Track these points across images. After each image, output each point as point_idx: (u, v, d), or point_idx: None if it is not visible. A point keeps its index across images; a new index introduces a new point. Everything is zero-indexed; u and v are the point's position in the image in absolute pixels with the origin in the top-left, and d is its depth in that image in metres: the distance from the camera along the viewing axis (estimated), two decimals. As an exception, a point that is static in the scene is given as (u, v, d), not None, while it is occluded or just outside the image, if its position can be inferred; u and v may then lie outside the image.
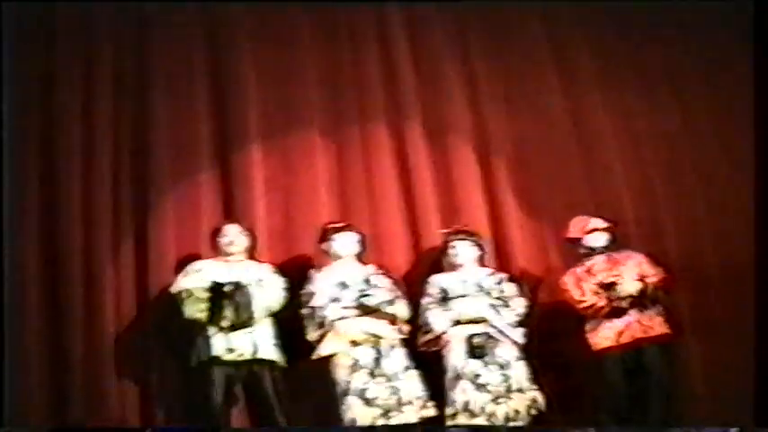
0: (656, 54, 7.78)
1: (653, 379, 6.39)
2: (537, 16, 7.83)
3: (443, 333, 6.40)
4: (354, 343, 6.26)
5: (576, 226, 6.82)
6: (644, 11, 7.85)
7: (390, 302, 6.44)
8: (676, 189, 7.40)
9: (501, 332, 6.39)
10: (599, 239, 6.76)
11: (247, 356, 6.17)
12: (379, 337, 6.30)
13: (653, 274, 6.60)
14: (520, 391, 6.28)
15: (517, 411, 6.22)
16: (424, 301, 6.56)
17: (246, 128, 7.20)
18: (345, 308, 6.36)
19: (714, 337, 6.92)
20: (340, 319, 6.31)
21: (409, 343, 6.42)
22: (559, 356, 6.72)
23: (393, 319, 6.39)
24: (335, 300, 6.38)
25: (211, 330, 6.18)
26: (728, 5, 7.88)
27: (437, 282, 6.63)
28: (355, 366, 6.20)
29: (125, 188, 6.97)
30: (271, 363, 6.24)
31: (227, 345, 6.16)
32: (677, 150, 7.53)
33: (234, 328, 6.18)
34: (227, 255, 6.50)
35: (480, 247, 6.78)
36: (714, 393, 6.75)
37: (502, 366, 6.31)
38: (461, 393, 6.24)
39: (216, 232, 6.60)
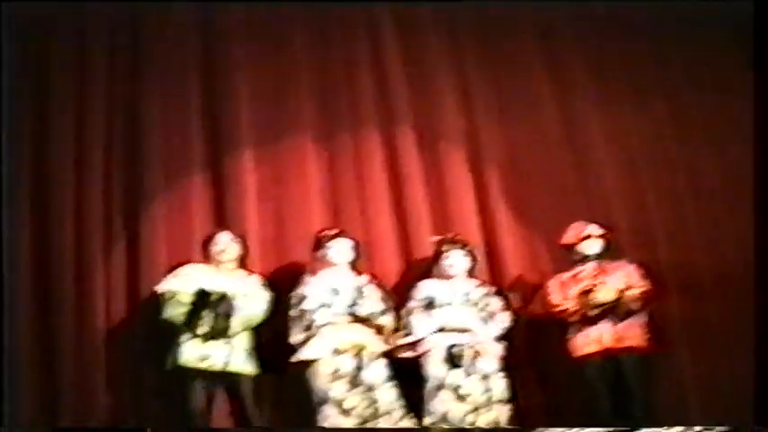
0: (650, 63, 7.78)
1: (631, 388, 6.39)
2: (530, 25, 7.83)
3: (423, 339, 6.39)
4: (337, 351, 6.23)
5: (572, 232, 6.82)
6: (638, 21, 7.85)
7: (380, 314, 6.43)
8: (668, 198, 7.38)
9: (483, 344, 6.38)
10: (593, 246, 6.75)
11: (219, 367, 6.18)
12: (363, 347, 6.28)
13: (639, 286, 6.59)
14: (501, 402, 6.27)
15: (497, 423, 6.20)
16: (410, 305, 6.55)
17: (239, 133, 7.20)
18: (335, 314, 6.35)
19: (708, 342, 6.91)
20: (327, 324, 6.30)
21: (390, 354, 6.41)
22: (546, 364, 6.74)
23: (380, 330, 6.37)
24: (326, 305, 6.37)
25: (186, 336, 6.20)
26: (725, 18, 7.91)
27: (426, 288, 6.62)
28: (335, 374, 6.18)
29: (117, 192, 6.98)
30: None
31: (201, 353, 6.17)
32: (670, 159, 7.51)
33: (210, 337, 6.18)
34: (218, 262, 6.50)
35: (473, 257, 6.76)
36: (714, 394, 6.76)
37: (483, 377, 6.30)
38: (441, 403, 6.23)
39: (208, 239, 6.60)
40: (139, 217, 6.90)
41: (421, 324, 6.44)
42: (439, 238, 6.85)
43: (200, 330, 6.18)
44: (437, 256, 6.75)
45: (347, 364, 6.21)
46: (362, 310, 6.39)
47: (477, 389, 6.25)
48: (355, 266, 6.67)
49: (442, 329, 6.40)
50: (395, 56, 7.57)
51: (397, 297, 6.71)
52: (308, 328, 6.29)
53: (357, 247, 6.69)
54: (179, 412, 6.26)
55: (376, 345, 6.33)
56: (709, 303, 7.07)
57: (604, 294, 6.52)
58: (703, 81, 7.73)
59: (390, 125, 7.41)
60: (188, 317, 6.22)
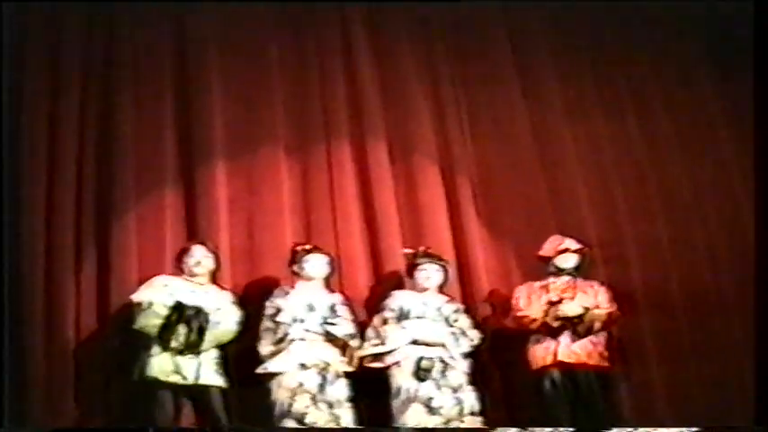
0: (623, 78, 7.85)
1: (588, 400, 6.40)
2: (504, 39, 7.88)
3: (394, 350, 6.36)
4: (303, 366, 6.22)
5: (549, 245, 6.82)
6: (611, 35, 7.93)
7: (351, 336, 6.41)
8: (640, 211, 7.43)
9: (453, 358, 6.38)
10: (569, 261, 6.76)
11: (190, 381, 6.14)
12: (328, 365, 6.27)
13: (605, 308, 6.59)
14: (472, 414, 6.27)
15: (468, 435, 6.20)
16: (384, 314, 6.53)
17: (211, 145, 7.18)
18: (307, 330, 6.33)
19: (679, 357, 6.98)
20: (299, 340, 6.28)
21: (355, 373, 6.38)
22: (512, 376, 6.74)
23: (345, 352, 6.35)
24: (300, 320, 6.35)
25: (157, 349, 6.16)
26: (697, 31, 7.98)
27: (399, 298, 6.60)
28: (299, 389, 6.16)
29: (88, 203, 6.92)
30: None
31: (172, 366, 6.12)
32: (642, 174, 7.56)
33: (181, 351, 6.14)
34: (192, 275, 6.46)
35: (446, 272, 6.75)
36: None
37: (454, 390, 6.29)
38: (413, 416, 6.20)
39: (183, 252, 6.56)
40: (111, 228, 6.85)
41: (394, 335, 6.42)
42: (410, 251, 6.83)
43: (174, 344, 6.14)
44: (411, 268, 6.73)
45: (311, 379, 6.19)
46: (336, 330, 6.37)
47: (448, 402, 6.25)
48: (329, 282, 6.67)
49: (414, 342, 6.39)
50: (368, 69, 7.58)
51: (366, 311, 6.72)
52: (281, 341, 6.27)
53: (332, 263, 6.69)
54: (147, 423, 6.21)
55: (341, 365, 6.32)
56: (680, 318, 7.12)
57: (570, 308, 6.53)
58: (675, 95, 7.78)
59: (363, 138, 7.42)
60: (161, 329, 6.18)
